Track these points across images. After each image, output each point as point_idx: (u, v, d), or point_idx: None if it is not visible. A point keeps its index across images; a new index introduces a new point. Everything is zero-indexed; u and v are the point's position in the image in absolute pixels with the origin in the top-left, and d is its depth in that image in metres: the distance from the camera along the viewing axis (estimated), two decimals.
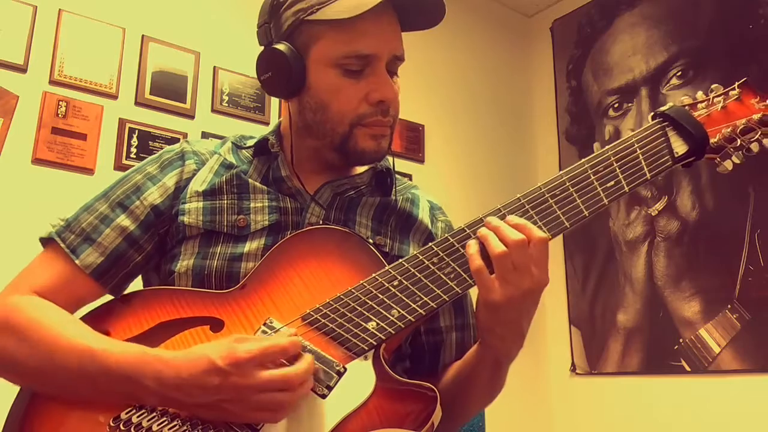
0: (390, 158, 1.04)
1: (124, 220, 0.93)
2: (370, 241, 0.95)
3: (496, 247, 0.79)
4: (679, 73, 2.73)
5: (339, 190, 1.00)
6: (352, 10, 0.87)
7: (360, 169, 1.05)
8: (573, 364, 2.93)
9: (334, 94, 0.92)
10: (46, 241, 0.93)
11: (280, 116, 2.44)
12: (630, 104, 2.90)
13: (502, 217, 0.85)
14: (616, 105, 2.96)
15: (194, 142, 1.04)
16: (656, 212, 2.73)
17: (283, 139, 1.03)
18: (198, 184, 0.97)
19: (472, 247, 0.82)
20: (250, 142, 1.04)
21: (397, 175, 1.08)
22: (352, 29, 0.90)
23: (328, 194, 0.99)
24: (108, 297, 0.93)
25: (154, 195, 0.95)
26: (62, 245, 0.91)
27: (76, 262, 0.90)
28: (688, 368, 2.53)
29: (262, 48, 0.97)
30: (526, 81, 3.37)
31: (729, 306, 2.44)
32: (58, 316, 0.85)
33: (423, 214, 1.05)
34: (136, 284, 0.99)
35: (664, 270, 2.67)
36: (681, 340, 2.57)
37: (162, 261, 0.96)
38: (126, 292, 0.95)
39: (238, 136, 1.07)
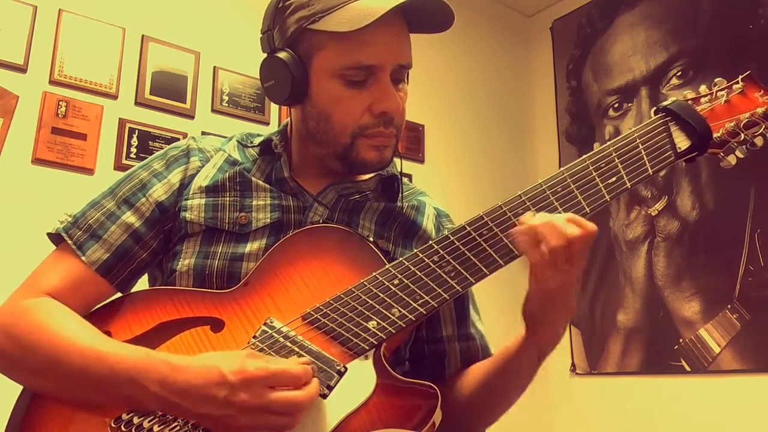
0: (398, 162, 1.02)
1: (129, 217, 0.93)
2: (371, 239, 0.95)
3: (558, 240, 0.77)
4: (679, 73, 2.73)
5: (344, 192, 1.00)
6: (353, 23, 0.85)
7: (366, 174, 1.04)
8: (573, 364, 2.93)
9: (337, 104, 0.91)
10: (55, 238, 0.94)
11: (280, 117, 2.45)
12: (630, 104, 2.90)
13: (504, 215, 0.85)
14: (616, 105, 2.96)
15: (200, 139, 1.04)
16: (656, 212, 2.73)
17: (289, 142, 1.02)
18: (201, 179, 0.97)
19: (523, 241, 0.80)
20: (257, 141, 1.04)
21: (405, 180, 1.07)
22: (355, 40, 0.88)
23: (332, 195, 0.98)
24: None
25: (159, 192, 0.96)
26: (69, 241, 0.91)
27: (83, 258, 0.90)
28: (688, 368, 2.53)
29: (265, 55, 0.96)
30: (526, 81, 3.37)
31: (729, 306, 2.44)
32: (65, 318, 0.85)
33: (428, 222, 1.05)
34: (143, 283, 0.99)
35: (664, 270, 2.67)
36: (681, 340, 2.57)
37: (164, 258, 0.96)
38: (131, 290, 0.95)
39: (245, 133, 1.06)
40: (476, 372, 0.99)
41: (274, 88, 0.95)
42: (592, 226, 0.79)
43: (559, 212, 0.85)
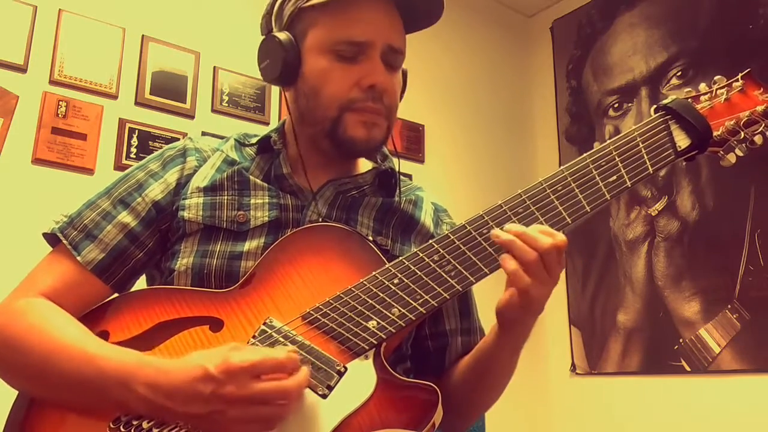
0: (396, 160, 1.04)
1: (125, 217, 0.93)
2: (370, 238, 0.95)
3: (529, 254, 0.80)
4: (679, 73, 2.73)
5: (342, 189, 1.00)
6: None
7: (363, 169, 1.05)
8: (573, 364, 2.93)
9: (326, 78, 0.92)
10: (51, 238, 0.93)
11: (279, 117, 2.45)
12: (630, 104, 2.90)
13: (504, 214, 0.85)
14: (616, 105, 2.96)
15: (197, 139, 1.04)
16: (656, 212, 2.73)
17: (287, 137, 1.02)
18: (199, 179, 0.97)
19: (507, 259, 0.81)
20: (254, 140, 1.04)
21: (402, 177, 1.07)
22: (346, 16, 0.91)
23: (330, 192, 0.98)
24: None
25: (155, 191, 0.95)
26: (64, 241, 0.91)
27: (78, 258, 0.90)
28: (688, 368, 2.53)
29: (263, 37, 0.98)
30: (526, 81, 3.37)
31: (729, 306, 2.44)
32: (59, 320, 0.84)
33: (426, 217, 1.05)
34: (141, 284, 0.98)
35: (664, 270, 2.67)
36: (681, 340, 2.56)
37: (163, 258, 0.96)
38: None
39: (242, 133, 1.07)
40: (461, 366, 1.00)
41: (269, 67, 0.96)
42: (562, 237, 0.81)
43: (560, 211, 0.85)
